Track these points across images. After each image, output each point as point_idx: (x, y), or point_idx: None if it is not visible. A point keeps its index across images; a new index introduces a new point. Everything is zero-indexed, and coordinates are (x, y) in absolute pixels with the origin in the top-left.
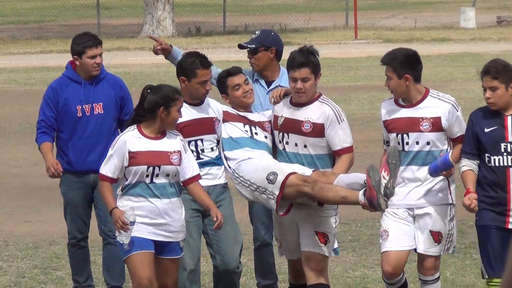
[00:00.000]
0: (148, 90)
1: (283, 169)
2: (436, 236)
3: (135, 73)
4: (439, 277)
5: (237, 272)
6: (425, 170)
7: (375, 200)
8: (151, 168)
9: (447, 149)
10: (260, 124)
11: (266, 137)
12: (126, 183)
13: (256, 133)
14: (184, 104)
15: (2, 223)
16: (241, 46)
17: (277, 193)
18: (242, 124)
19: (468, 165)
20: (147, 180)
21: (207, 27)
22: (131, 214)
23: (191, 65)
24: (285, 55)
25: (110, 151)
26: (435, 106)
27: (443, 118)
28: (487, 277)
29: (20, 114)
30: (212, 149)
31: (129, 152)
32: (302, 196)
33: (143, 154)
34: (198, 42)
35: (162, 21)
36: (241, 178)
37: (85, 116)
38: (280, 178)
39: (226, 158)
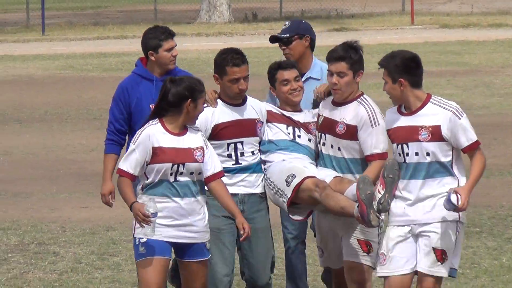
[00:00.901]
0: (171, 83)
1: (303, 172)
2: (440, 255)
3: (191, 59)
4: None
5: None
6: (427, 183)
7: (365, 215)
8: (175, 166)
9: (451, 161)
10: (305, 126)
11: (309, 140)
12: (148, 181)
13: (299, 136)
14: (222, 103)
15: (60, 209)
16: (274, 38)
17: (288, 195)
18: (285, 126)
19: None
20: (171, 179)
21: (264, 13)
22: (152, 205)
23: (222, 62)
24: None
25: (132, 145)
26: (435, 114)
27: (443, 127)
28: None
29: (77, 100)
30: (252, 153)
31: (153, 148)
32: (315, 203)
33: (168, 150)
34: (255, 28)
35: (218, 7)
36: (269, 180)
37: None
38: (296, 181)
39: (263, 162)
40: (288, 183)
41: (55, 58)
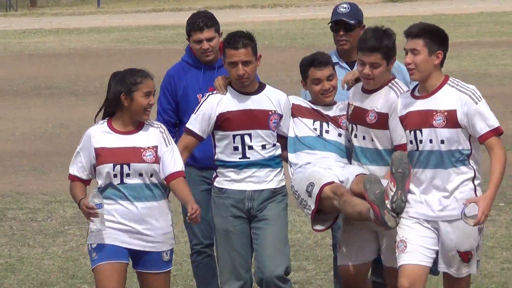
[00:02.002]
0: (112, 77)
1: (321, 178)
2: (466, 256)
3: (248, 30)
4: None
5: (278, 286)
6: (440, 174)
7: (380, 217)
8: (118, 167)
9: (469, 152)
10: (334, 120)
11: (340, 135)
12: (98, 186)
13: (327, 131)
14: (233, 91)
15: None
16: (339, 22)
17: (312, 206)
18: (311, 121)
19: None
20: (116, 181)
21: None
22: (95, 196)
23: (223, 44)
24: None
25: (77, 148)
26: (451, 97)
27: (458, 111)
28: None
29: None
30: (263, 147)
31: (95, 149)
32: (337, 210)
33: (110, 151)
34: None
35: None
36: (293, 189)
37: None
38: (316, 190)
39: (290, 164)
40: (309, 193)
41: (110, 31)
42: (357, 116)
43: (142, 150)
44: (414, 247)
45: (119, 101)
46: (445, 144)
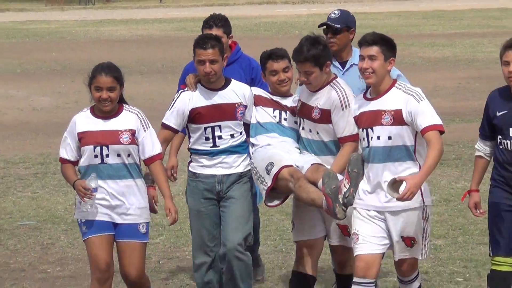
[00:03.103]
0: None
1: (281, 160)
2: (408, 241)
3: (280, 22)
4: (417, 274)
5: (237, 257)
6: (389, 167)
7: (331, 209)
8: (98, 148)
9: (414, 146)
10: (292, 109)
11: (296, 122)
12: (81, 164)
13: (285, 119)
14: (202, 88)
15: None
16: (324, 25)
17: (269, 183)
18: (272, 109)
19: (480, 149)
20: (97, 161)
21: None
22: (93, 180)
23: (194, 43)
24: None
25: (65, 133)
26: (397, 98)
27: (403, 110)
28: (491, 254)
29: (188, 56)
30: (232, 136)
31: (78, 133)
32: (291, 191)
33: (92, 133)
34: None
35: None
36: (252, 165)
37: None
38: (274, 170)
39: (251, 144)
40: (268, 172)
41: (171, 21)
42: (304, 112)
43: (119, 132)
44: (365, 238)
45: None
46: (392, 140)
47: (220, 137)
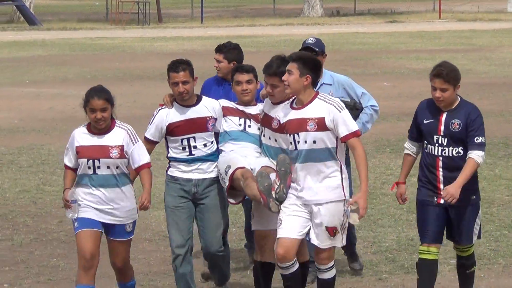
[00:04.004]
0: None
1: (236, 163)
2: (331, 231)
3: (297, 40)
4: (334, 264)
5: (218, 255)
6: (315, 166)
7: (266, 203)
8: (91, 161)
9: (335, 148)
10: (256, 117)
11: (259, 129)
12: (81, 173)
13: (249, 126)
14: (177, 105)
15: None
16: (307, 49)
17: (227, 183)
18: (237, 118)
19: (408, 148)
20: (90, 172)
21: (344, 10)
22: (73, 193)
23: (167, 68)
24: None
25: (67, 145)
26: (321, 107)
27: (326, 118)
28: (420, 244)
29: None
30: (205, 145)
31: (76, 147)
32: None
33: (87, 148)
34: (338, 20)
35: (314, 6)
36: (217, 168)
37: None
38: (230, 171)
39: (219, 151)
40: (226, 173)
41: (209, 39)
42: (265, 121)
43: (110, 148)
44: (286, 224)
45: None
46: (317, 144)
47: (195, 147)
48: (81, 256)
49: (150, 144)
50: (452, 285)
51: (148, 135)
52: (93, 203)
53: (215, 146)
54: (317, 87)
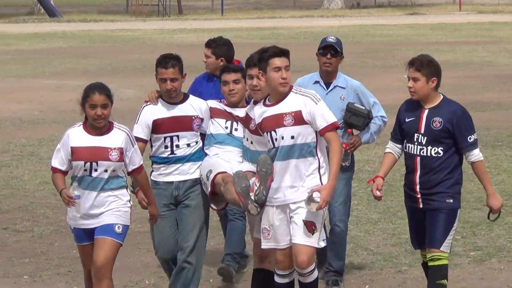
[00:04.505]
0: None
1: (218, 168)
2: (310, 226)
3: (317, 32)
4: (315, 267)
5: (182, 265)
6: (294, 164)
7: (244, 205)
8: (88, 164)
9: (315, 143)
10: (242, 120)
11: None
12: (73, 174)
13: (236, 129)
14: (162, 102)
15: None
16: (329, 47)
17: (209, 189)
18: (224, 121)
19: (391, 148)
20: (85, 174)
21: (364, 2)
22: (75, 188)
23: (156, 63)
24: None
25: (58, 145)
26: (296, 101)
27: (303, 111)
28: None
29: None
30: (188, 145)
31: (72, 147)
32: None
33: (84, 149)
34: (358, 12)
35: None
36: (200, 172)
37: None
38: (211, 176)
39: (205, 154)
40: (207, 177)
41: (230, 30)
42: (246, 122)
43: (109, 150)
44: (275, 233)
45: (83, 109)
46: (295, 139)
47: (177, 146)
48: (83, 265)
49: (139, 142)
50: (472, 277)
51: (136, 133)
52: (85, 208)
53: (199, 146)
54: (329, 89)
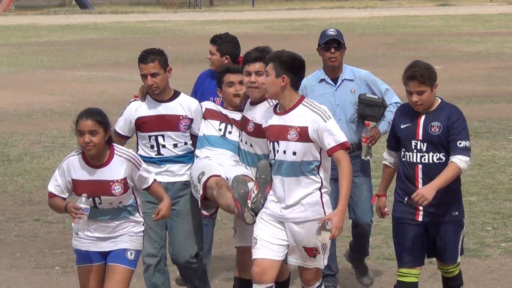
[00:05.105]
0: None
1: (211, 170)
2: (311, 252)
3: (348, 23)
4: (321, 283)
5: (188, 267)
6: (292, 181)
7: (240, 213)
8: (91, 198)
9: (319, 164)
10: (238, 123)
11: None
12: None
13: (230, 132)
14: (150, 99)
15: None
16: (331, 41)
17: (201, 192)
18: (218, 123)
19: (387, 159)
20: (90, 206)
21: None
22: (83, 201)
23: (138, 59)
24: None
25: (56, 171)
26: (304, 115)
27: (309, 128)
28: (398, 267)
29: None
30: (175, 145)
31: (72, 179)
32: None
33: (84, 184)
34: (389, 3)
35: None
36: (190, 175)
37: None
38: (204, 179)
39: (196, 157)
40: (199, 180)
41: (261, 22)
42: (242, 124)
43: (111, 183)
44: (263, 243)
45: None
46: (297, 156)
47: (163, 146)
48: None
49: (120, 138)
50: (503, 268)
51: (117, 128)
52: (95, 233)
53: (189, 148)
54: (338, 84)
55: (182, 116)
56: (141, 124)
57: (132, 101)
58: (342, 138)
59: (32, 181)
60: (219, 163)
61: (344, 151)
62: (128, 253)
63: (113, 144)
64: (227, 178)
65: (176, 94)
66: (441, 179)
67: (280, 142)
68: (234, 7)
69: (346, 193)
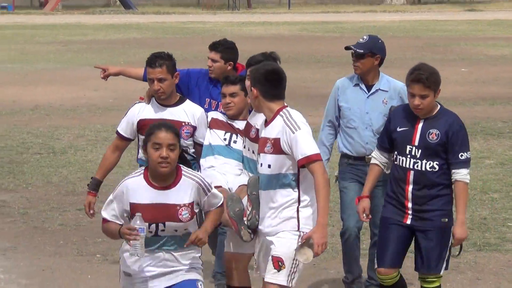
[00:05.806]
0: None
1: (213, 181)
2: (276, 262)
3: (379, 26)
4: None
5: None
6: (271, 195)
7: (237, 231)
8: (153, 225)
9: (296, 175)
10: (242, 132)
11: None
12: None
13: (235, 142)
14: (155, 102)
15: None
16: (347, 48)
17: None
18: (223, 132)
19: (377, 158)
20: (150, 234)
21: None
22: (138, 220)
23: (146, 62)
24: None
25: (111, 195)
26: (278, 126)
27: (281, 139)
28: (376, 266)
29: (308, 50)
30: None
31: (130, 204)
32: None
33: (146, 208)
34: (419, 8)
35: None
36: None
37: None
38: None
39: (200, 166)
40: None
41: (296, 24)
42: (246, 130)
43: (178, 208)
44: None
45: (146, 151)
46: (272, 168)
47: None
48: None
49: (121, 140)
50: None
51: (120, 129)
52: (154, 267)
53: (190, 156)
54: (371, 92)
55: (184, 122)
56: (143, 127)
57: (136, 102)
58: (309, 150)
59: (76, 173)
60: (223, 173)
61: (314, 163)
62: (198, 284)
63: (179, 164)
64: (229, 189)
65: (181, 100)
66: (463, 208)
67: (260, 154)
68: (271, 10)
69: (323, 206)
